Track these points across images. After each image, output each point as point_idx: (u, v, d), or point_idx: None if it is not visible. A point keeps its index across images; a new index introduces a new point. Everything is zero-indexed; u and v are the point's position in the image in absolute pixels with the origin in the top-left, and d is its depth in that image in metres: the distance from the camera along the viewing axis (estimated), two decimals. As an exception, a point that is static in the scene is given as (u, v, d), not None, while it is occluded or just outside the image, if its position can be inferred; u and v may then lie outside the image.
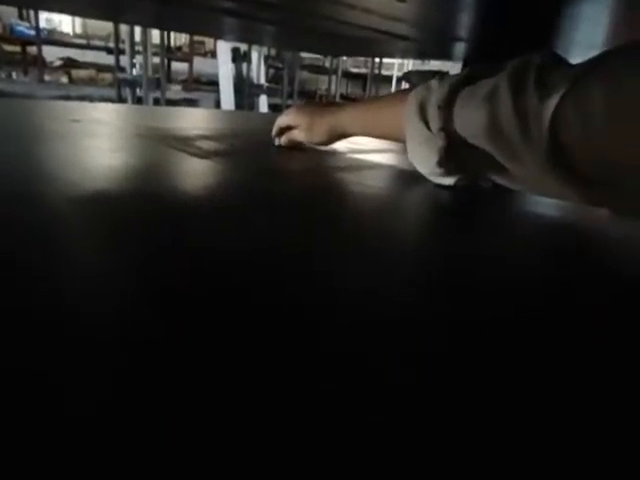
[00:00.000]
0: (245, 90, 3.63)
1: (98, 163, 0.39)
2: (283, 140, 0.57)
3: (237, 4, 0.50)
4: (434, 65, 2.37)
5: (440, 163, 0.41)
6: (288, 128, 0.56)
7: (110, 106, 0.96)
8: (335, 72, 4.27)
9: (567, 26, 0.45)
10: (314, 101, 2.69)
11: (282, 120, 0.56)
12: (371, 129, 0.49)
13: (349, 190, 0.41)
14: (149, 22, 1.12)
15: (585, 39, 0.50)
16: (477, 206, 0.41)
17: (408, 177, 0.49)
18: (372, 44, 0.73)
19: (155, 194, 0.33)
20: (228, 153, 0.50)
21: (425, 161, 0.42)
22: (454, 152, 0.39)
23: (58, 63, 3.72)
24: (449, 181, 0.42)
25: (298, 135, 0.55)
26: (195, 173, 0.40)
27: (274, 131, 0.58)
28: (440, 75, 0.40)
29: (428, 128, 0.40)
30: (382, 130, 0.48)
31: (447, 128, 0.38)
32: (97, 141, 0.49)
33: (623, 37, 0.46)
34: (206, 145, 0.53)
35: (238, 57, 3.61)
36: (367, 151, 0.64)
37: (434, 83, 0.40)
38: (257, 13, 0.55)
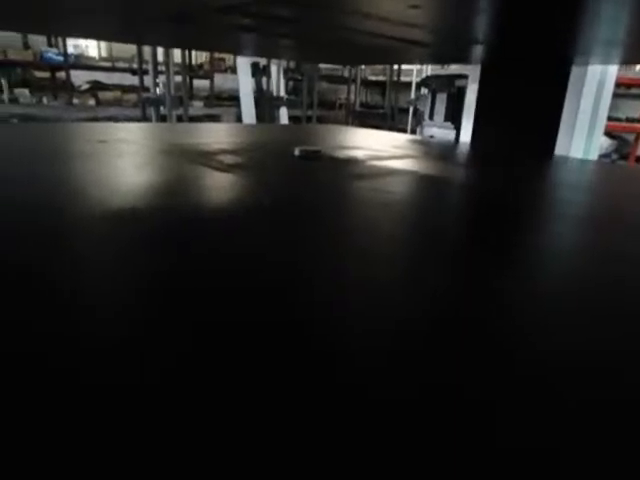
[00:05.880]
0: (265, 103, 3.68)
1: (125, 180, 0.41)
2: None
3: (255, 21, 0.51)
4: (453, 69, 2.35)
5: None
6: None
7: (135, 125, 0.99)
8: (354, 81, 4.29)
9: (587, 24, 0.45)
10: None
11: None
12: None
13: (372, 197, 0.41)
14: (171, 42, 1.15)
15: (606, 36, 0.49)
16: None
17: (428, 182, 0.49)
18: (389, 52, 0.73)
19: (175, 207, 0.33)
20: (249, 166, 0.51)
21: None
22: None
23: (85, 86, 3.85)
24: None
25: None
26: (217, 186, 0.41)
27: None
28: None
29: None
30: None
31: None
32: (123, 159, 0.50)
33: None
34: (227, 159, 0.54)
35: (257, 71, 3.67)
36: (386, 157, 0.63)
37: None
38: (275, 28, 0.56)
